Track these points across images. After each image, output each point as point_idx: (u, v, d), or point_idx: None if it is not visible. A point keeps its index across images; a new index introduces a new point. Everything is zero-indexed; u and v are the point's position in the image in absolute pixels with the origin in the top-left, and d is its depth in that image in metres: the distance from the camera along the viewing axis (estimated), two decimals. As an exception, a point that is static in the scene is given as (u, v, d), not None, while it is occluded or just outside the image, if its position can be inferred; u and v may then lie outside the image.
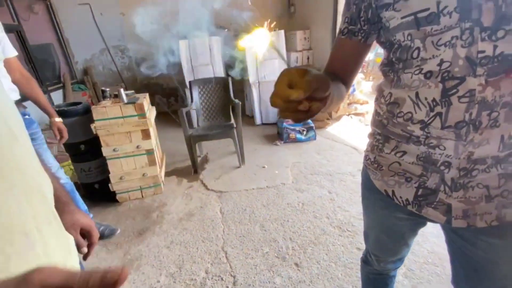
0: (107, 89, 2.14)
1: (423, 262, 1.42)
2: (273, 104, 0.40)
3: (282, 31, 3.56)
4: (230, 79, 2.83)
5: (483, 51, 0.45)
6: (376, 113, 0.66)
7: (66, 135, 1.53)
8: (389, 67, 0.59)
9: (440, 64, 0.48)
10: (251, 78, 3.66)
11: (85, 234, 0.58)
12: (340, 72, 0.65)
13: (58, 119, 1.50)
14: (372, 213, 0.77)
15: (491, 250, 0.58)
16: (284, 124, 3.26)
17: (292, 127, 3.22)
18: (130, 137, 2.02)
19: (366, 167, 0.71)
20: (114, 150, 1.99)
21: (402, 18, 0.50)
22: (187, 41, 3.68)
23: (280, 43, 3.56)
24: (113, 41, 4.19)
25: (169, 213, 2.04)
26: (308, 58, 3.97)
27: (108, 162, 2.04)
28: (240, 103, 2.61)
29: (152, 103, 2.78)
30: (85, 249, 0.57)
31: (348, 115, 3.82)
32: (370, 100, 3.86)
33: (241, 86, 4.28)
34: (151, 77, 4.59)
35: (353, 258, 1.48)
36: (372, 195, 0.71)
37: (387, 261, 0.85)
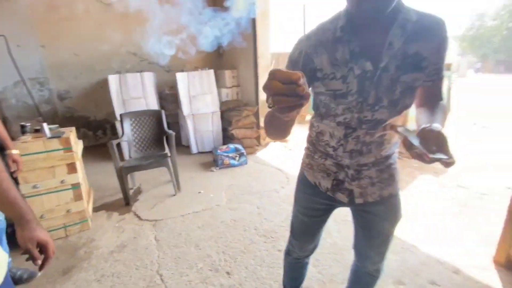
0: (27, 124, 2.05)
1: (326, 253, 1.77)
2: (270, 87, 0.43)
3: (212, 70, 3.96)
4: (163, 112, 2.98)
5: (366, 116, 0.79)
6: (309, 135, 1.00)
7: (22, 167, 1.50)
8: (317, 111, 0.90)
9: (344, 119, 0.82)
10: (185, 111, 3.87)
11: (42, 248, 0.69)
12: None
13: (15, 152, 1.48)
14: (302, 200, 1.05)
15: (378, 214, 0.95)
16: (219, 151, 3.51)
17: (226, 154, 3.50)
18: (54, 172, 1.95)
19: (303, 168, 1.04)
20: (34, 187, 1.88)
21: (326, 90, 0.80)
22: (118, 75, 3.73)
23: (210, 80, 3.93)
24: (30, 73, 3.91)
25: (99, 247, 1.97)
26: (237, 94, 4.43)
27: (27, 200, 1.90)
28: (174, 133, 2.76)
29: (78, 136, 2.69)
30: (39, 262, 0.69)
31: (274, 141, 4.33)
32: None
33: (176, 118, 4.43)
34: (75, 110, 4.36)
35: (275, 259, 1.75)
36: (305, 187, 1.03)
37: (306, 248, 1.13)
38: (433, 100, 0.79)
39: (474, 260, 1.70)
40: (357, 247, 1.07)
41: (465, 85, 13.41)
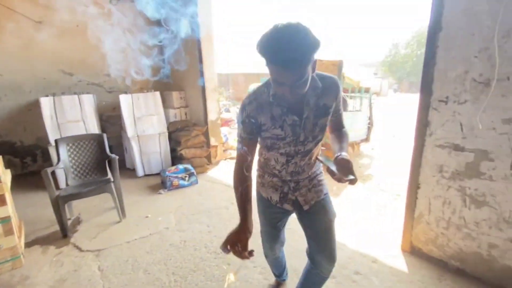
0: None
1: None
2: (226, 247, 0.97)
3: (158, 92, 3.99)
4: (105, 135, 2.89)
5: (300, 149, 1.10)
6: (259, 161, 1.26)
7: None
8: (264, 145, 1.14)
9: (285, 151, 1.11)
10: (130, 132, 3.77)
11: None
12: (250, 155, 1.10)
13: None
14: (263, 213, 1.33)
15: (319, 214, 1.22)
16: (167, 173, 3.49)
17: (175, 175, 3.50)
18: (-24, 207, 1.76)
19: (258, 187, 1.30)
20: (-51, 225, 1.67)
21: (271, 135, 1.08)
22: (51, 97, 3.48)
23: (156, 102, 3.95)
24: None
25: (35, 285, 1.81)
26: (185, 114, 4.50)
27: None
28: (117, 157, 2.70)
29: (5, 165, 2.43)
30: None
31: (225, 159, 4.49)
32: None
33: (120, 140, 4.26)
34: (-4, 135, 3.87)
35: (225, 272, 1.86)
36: (261, 202, 1.30)
37: (274, 248, 1.40)
38: (339, 128, 1.19)
39: (388, 250, 2.09)
40: (312, 253, 1.24)
41: (386, 103, 15.71)
